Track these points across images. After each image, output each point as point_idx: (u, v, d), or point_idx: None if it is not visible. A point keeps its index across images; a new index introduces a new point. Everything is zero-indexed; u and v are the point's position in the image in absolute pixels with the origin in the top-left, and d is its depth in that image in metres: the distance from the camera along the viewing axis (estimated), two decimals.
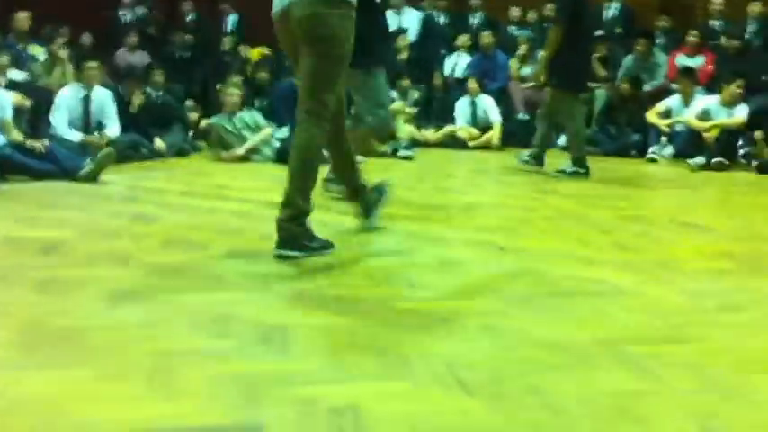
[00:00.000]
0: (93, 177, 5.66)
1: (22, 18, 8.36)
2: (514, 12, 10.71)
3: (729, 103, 7.36)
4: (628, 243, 3.85)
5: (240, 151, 7.18)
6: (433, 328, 2.49)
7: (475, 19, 10.98)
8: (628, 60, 9.13)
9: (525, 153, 6.64)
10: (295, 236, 3.36)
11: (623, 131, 8.26)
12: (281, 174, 6.46)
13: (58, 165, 5.71)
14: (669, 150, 7.66)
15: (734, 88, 7.33)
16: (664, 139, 7.76)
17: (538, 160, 6.57)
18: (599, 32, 9.85)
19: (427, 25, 10.36)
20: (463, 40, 10.13)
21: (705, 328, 2.54)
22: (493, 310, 2.71)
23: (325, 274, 3.15)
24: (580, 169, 6.26)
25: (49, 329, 2.43)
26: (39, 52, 8.47)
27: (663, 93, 8.51)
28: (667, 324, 2.57)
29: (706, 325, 2.58)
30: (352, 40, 3.43)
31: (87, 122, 6.79)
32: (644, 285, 3.04)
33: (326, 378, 2.07)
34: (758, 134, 7.24)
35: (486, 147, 8.49)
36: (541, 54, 6.28)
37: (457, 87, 9.48)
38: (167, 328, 2.47)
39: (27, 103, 6.85)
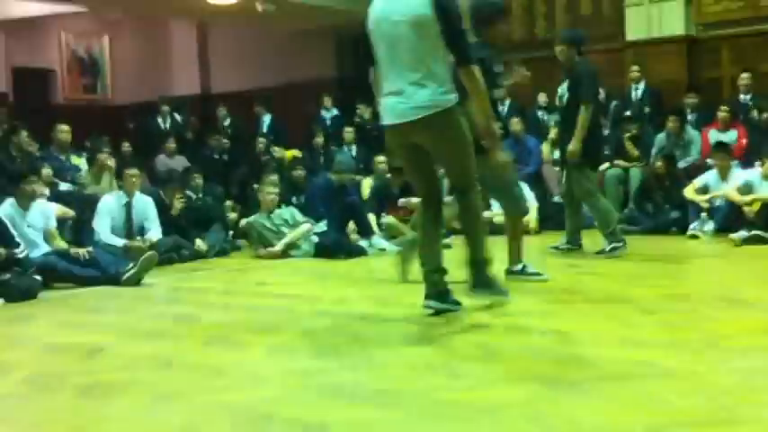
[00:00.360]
0: (136, 281, 5.74)
1: (64, 130, 8.66)
2: (541, 97, 10.85)
3: None
4: (673, 322, 3.77)
5: (279, 247, 7.23)
6: (477, 419, 2.44)
7: (504, 107, 11.13)
8: (660, 138, 9.12)
9: (561, 242, 6.57)
10: (486, 282, 4.02)
11: (661, 209, 8.19)
12: (319, 268, 6.59)
13: (102, 270, 5.81)
14: (710, 226, 7.55)
15: None
16: (704, 214, 7.66)
17: (574, 243, 6.53)
18: (627, 113, 9.93)
19: None
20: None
21: (758, 409, 2.45)
22: (538, 397, 2.65)
23: (365, 367, 3.13)
24: (617, 243, 6.17)
25: None
26: (80, 162, 8.73)
27: (699, 169, 8.45)
28: (718, 405, 2.49)
29: (759, 405, 2.49)
30: (468, 124, 3.84)
31: (130, 228, 6.93)
32: (693, 365, 2.96)
33: None
34: None
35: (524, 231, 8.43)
36: (577, 132, 6.27)
37: None
38: (209, 429, 2.46)
39: (71, 213, 7.02)
